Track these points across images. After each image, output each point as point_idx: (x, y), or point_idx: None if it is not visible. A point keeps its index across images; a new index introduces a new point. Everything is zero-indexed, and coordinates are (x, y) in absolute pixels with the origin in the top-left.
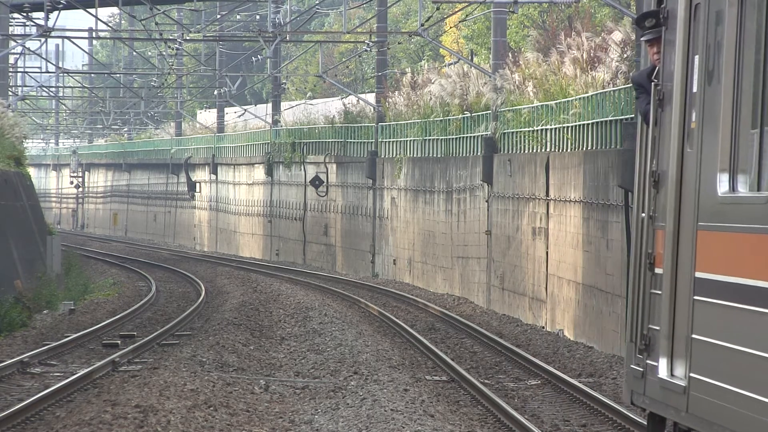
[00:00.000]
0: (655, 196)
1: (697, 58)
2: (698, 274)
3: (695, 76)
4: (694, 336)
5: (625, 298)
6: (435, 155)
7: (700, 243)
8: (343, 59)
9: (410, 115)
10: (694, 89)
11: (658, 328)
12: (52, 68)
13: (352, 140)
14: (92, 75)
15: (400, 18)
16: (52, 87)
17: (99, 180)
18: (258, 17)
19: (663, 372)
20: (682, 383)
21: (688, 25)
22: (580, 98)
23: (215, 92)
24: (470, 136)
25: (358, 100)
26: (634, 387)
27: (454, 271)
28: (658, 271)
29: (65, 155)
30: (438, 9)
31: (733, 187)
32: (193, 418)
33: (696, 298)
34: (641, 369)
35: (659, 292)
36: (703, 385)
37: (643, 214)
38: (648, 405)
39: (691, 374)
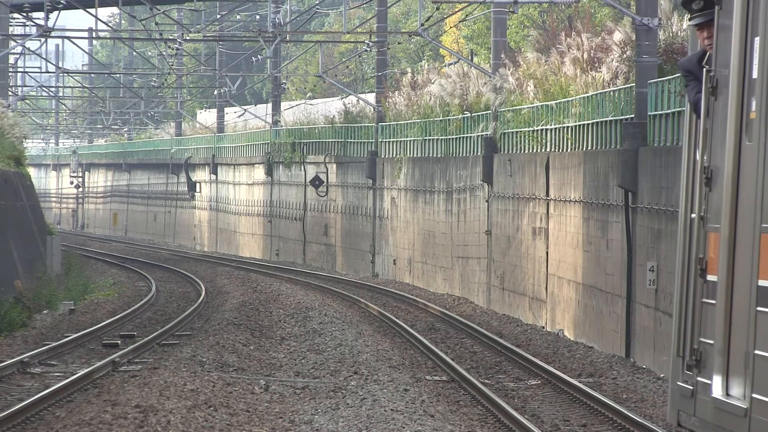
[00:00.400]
0: (707, 195)
1: (757, 40)
2: (762, 283)
3: (755, 61)
4: (757, 352)
5: (625, 297)
6: (435, 155)
7: (764, 247)
8: (343, 59)
9: (410, 115)
10: (754, 75)
11: (711, 341)
12: (52, 68)
13: (352, 140)
14: (92, 75)
15: (400, 18)
16: (52, 87)
17: (99, 180)
18: (258, 17)
19: (717, 391)
20: (743, 405)
21: (747, 4)
22: (580, 98)
23: (215, 92)
24: (470, 136)
25: (358, 100)
26: (681, 407)
27: (454, 271)
28: (710, 278)
29: (65, 155)
30: (438, 9)
31: None
32: (193, 418)
33: (760, 309)
34: (691, 387)
35: (712, 302)
36: None
37: (693, 215)
38: (698, 427)
39: (755, 395)
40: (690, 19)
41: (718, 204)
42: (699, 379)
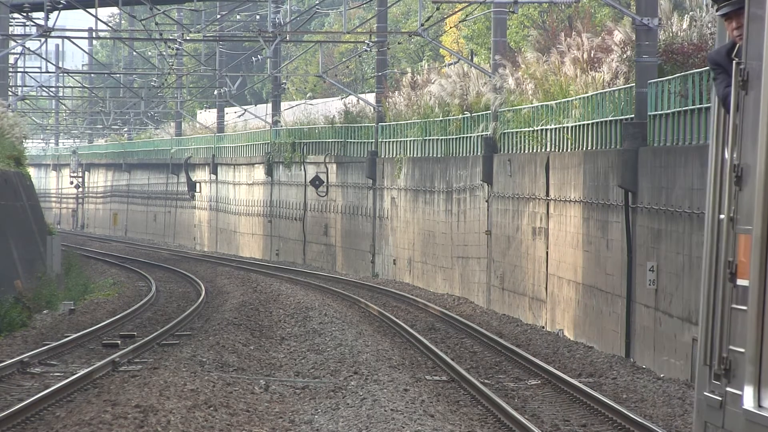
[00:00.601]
0: (738, 195)
1: None
2: None
3: None
4: None
5: (625, 297)
6: (435, 155)
7: None
8: (343, 59)
9: (410, 115)
10: None
11: (742, 350)
12: (52, 68)
13: (352, 140)
14: (92, 75)
15: (400, 18)
16: (52, 87)
17: (99, 180)
18: (258, 17)
19: (749, 402)
20: None
21: None
22: (580, 98)
23: (215, 92)
24: (470, 136)
25: (358, 100)
26: (709, 419)
27: (454, 271)
28: (741, 282)
29: (65, 155)
30: (438, 9)
31: None
32: (193, 418)
33: None
34: (719, 398)
35: (743, 308)
36: None
37: (722, 216)
38: None
39: None
40: (717, 9)
41: (749, 204)
42: (728, 389)
